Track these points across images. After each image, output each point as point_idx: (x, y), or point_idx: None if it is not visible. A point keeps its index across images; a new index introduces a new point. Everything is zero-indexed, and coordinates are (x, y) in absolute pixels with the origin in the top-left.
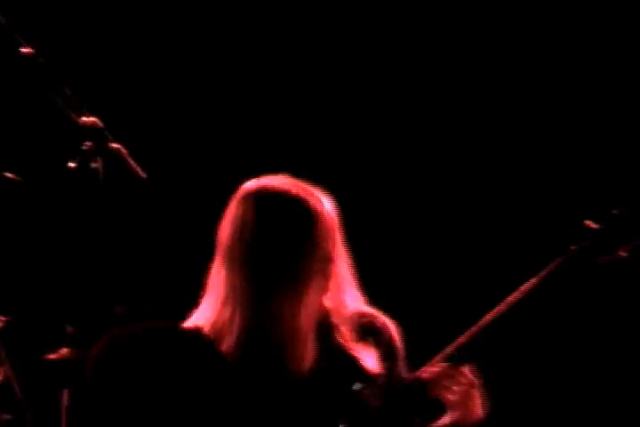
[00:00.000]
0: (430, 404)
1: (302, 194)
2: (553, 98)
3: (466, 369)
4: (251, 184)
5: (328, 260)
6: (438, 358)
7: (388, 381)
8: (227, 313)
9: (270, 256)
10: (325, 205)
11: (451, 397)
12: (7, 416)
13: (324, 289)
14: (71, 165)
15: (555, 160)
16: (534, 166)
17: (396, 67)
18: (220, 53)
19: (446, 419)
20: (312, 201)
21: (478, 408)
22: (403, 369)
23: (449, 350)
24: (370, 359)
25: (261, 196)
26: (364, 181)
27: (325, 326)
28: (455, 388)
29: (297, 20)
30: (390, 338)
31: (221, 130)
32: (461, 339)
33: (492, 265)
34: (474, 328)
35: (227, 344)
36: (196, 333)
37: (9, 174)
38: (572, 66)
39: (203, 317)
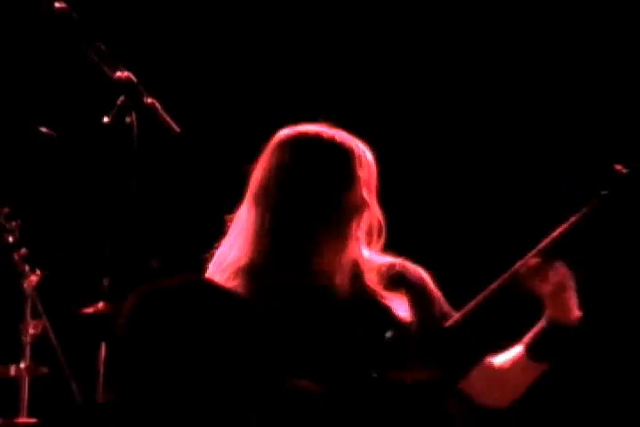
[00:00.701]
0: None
1: (344, 139)
2: (552, 95)
3: (559, 263)
4: (287, 130)
5: (363, 207)
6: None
7: (423, 327)
8: (262, 253)
9: (307, 200)
10: (365, 151)
11: (546, 288)
12: (44, 369)
13: (356, 236)
14: (105, 119)
15: (554, 157)
16: (534, 158)
17: (395, 67)
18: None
19: (542, 322)
20: (352, 145)
21: (574, 303)
22: (444, 312)
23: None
24: (401, 307)
25: (300, 140)
26: None
27: (356, 274)
28: (550, 280)
29: (297, 18)
30: (422, 284)
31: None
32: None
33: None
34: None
35: (260, 288)
36: (229, 289)
37: (44, 129)
38: (572, 65)
39: (233, 257)
